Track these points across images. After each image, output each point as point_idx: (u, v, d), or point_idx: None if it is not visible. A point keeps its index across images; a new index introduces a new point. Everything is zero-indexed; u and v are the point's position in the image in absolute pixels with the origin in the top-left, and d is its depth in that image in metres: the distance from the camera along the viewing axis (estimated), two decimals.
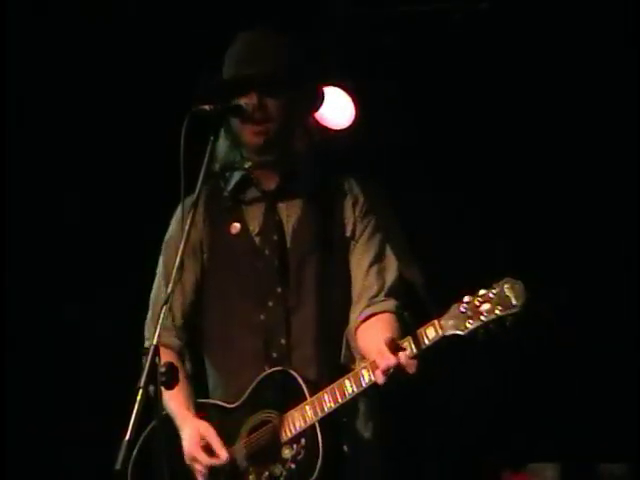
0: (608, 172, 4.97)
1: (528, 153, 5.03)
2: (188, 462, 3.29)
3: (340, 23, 4.97)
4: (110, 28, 4.92)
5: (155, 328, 3.42)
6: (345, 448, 3.25)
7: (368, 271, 3.37)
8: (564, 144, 5.01)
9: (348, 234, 3.40)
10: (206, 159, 3.03)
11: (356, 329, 3.32)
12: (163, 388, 2.77)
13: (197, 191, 3.00)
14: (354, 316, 3.35)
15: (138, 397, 2.70)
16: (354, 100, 4.89)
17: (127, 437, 2.65)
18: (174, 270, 2.92)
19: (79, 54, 4.96)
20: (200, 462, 3.25)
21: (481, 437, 4.92)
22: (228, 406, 3.36)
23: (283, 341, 3.33)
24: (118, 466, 2.63)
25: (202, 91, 3.34)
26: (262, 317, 3.35)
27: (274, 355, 3.32)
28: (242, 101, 3.26)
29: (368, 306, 3.33)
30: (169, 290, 2.91)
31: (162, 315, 2.88)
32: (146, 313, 3.52)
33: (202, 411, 3.36)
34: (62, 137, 5.04)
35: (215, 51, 4.81)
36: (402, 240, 3.46)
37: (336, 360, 3.32)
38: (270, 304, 3.36)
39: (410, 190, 4.74)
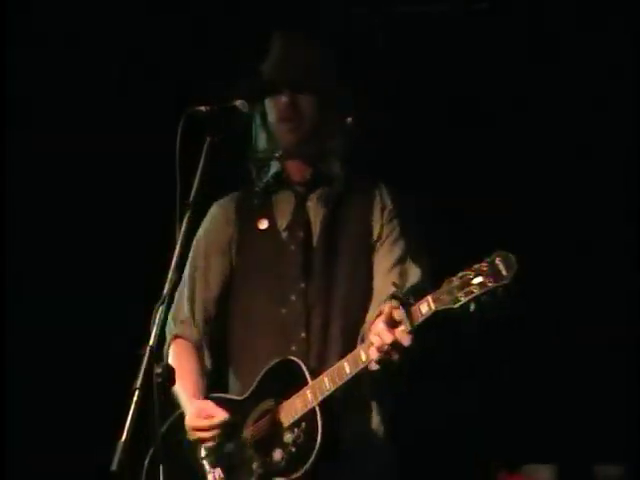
0: (609, 173, 4.96)
1: (528, 153, 5.02)
2: (192, 436, 3.32)
3: (340, 23, 4.97)
4: (110, 27, 4.93)
5: (174, 324, 3.50)
6: (346, 438, 3.26)
7: (389, 272, 3.40)
8: (565, 144, 5.00)
9: (374, 237, 3.45)
10: (202, 160, 3.03)
11: (371, 325, 3.31)
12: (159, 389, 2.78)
13: (194, 192, 3.00)
14: (371, 313, 3.37)
15: (134, 398, 2.70)
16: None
17: (123, 438, 2.65)
18: (170, 271, 2.93)
19: (79, 54, 4.97)
20: (200, 427, 3.29)
21: (476, 438, 4.92)
22: (237, 398, 3.40)
23: (303, 335, 3.37)
24: (114, 467, 2.64)
25: (237, 90, 3.37)
26: (283, 311, 3.40)
27: (293, 348, 3.36)
28: (239, 102, 3.28)
29: (384, 303, 3.32)
30: (165, 291, 2.91)
31: (158, 316, 2.87)
32: (147, 313, 3.52)
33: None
34: (61, 137, 5.04)
35: (216, 51, 4.84)
36: (420, 246, 3.48)
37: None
38: (292, 298, 3.40)
39: (408, 190, 4.72)
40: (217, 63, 4.38)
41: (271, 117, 3.50)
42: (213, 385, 3.50)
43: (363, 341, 3.31)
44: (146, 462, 3.39)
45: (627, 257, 4.92)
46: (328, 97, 3.49)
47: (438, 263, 3.41)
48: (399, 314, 3.05)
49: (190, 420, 3.33)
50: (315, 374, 3.25)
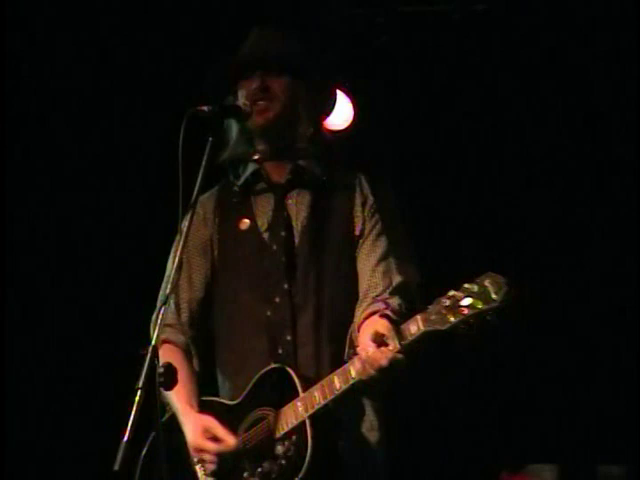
0: (610, 175, 4.97)
1: (526, 155, 5.02)
2: (195, 454, 3.27)
3: (340, 23, 4.97)
4: (111, 26, 4.94)
5: (159, 328, 3.46)
6: (340, 446, 3.23)
7: (375, 269, 3.36)
8: (564, 146, 5.01)
9: (357, 232, 3.39)
10: (204, 159, 3.03)
11: (359, 327, 3.31)
12: (162, 388, 2.78)
13: (196, 192, 2.99)
14: (358, 314, 3.34)
15: (136, 398, 2.69)
16: (352, 101, 4.89)
17: (125, 438, 2.65)
18: (173, 271, 2.92)
19: (81, 53, 4.97)
20: (208, 451, 3.23)
21: (480, 438, 4.92)
22: (229, 403, 3.36)
23: (289, 337, 3.32)
24: (117, 467, 2.63)
25: (209, 79, 3.39)
26: (268, 313, 3.35)
27: (280, 351, 3.32)
28: (241, 102, 3.27)
29: (371, 304, 3.32)
30: (168, 291, 2.90)
31: (161, 315, 2.87)
32: (146, 313, 3.52)
33: (206, 408, 3.35)
34: (63, 137, 5.05)
35: (216, 50, 4.84)
36: (405, 239, 3.43)
37: (341, 358, 3.30)
38: (277, 300, 3.35)
39: (408, 190, 4.74)
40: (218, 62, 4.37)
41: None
42: (201, 385, 3.45)
43: (352, 344, 3.29)
44: (141, 459, 3.37)
45: (626, 258, 4.93)
46: (303, 85, 3.41)
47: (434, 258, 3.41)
48: (389, 333, 3.02)
49: (195, 439, 3.26)
50: (307, 381, 3.20)
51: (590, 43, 4.81)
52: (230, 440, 3.21)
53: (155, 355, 2.76)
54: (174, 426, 3.33)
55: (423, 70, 4.99)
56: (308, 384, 3.20)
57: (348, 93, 4.85)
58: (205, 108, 3.07)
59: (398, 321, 3.04)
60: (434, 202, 4.97)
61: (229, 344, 3.43)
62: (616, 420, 4.81)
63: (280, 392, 3.23)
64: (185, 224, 2.96)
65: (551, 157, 5.03)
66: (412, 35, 4.99)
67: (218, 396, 3.44)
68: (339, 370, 3.14)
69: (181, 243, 2.94)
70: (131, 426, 2.65)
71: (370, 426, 3.35)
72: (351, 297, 3.37)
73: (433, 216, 4.92)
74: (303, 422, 3.16)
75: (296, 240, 3.40)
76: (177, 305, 3.48)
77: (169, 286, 2.95)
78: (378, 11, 4.95)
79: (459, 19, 4.96)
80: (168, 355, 3.38)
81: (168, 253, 3.38)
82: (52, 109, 4.99)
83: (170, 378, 2.77)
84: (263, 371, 3.29)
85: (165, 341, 3.44)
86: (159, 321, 2.83)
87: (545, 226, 5.04)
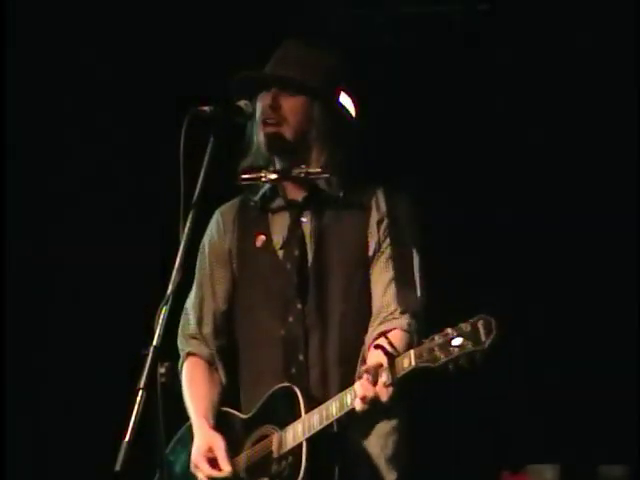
0: (610, 180, 4.97)
1: (525, 157, 5.02)
2: (192, 470, 3.33)
3: (339, 23, 4.98)
4: (114, 27, 4.95)
5: (185, 340, 3.53)
6: (336, 470, 3.22)
7: (387, 288, 3.35)
8: (563, 147, 5.00)
9: (370, 252, 3.38)
10: (206, 160, 3.03)
11: (369, 346, 3.31)
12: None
13: (197, 193, 2.99)
14: (369, 333, 3.34)
15: (138, 398, 2.70)
16: (353, 102, 4.87)
17: (127, 438, 2.65)
18: (174, 271, 2.92)
19: (83, 54, 4.98)
20: (202, 471, 3.30)
21: (480, 437, 4.92)
22: (242, 416, 3.40)
23: (301, 357, 3.33)
24: (118, 467, 2.63)
25: (233, 86, 3.39)
26: (282, 332, 3.36)
27: (293, 371, 3.33)
28: (242, 102, 3.27)
29: (382, 323, 3.32)
30: (169, 291, 2.90)
31: (162, 316, 2.86)
32: (145, 314, 3.51)
33: (222, 419, 3.41)
34: (63, 139, 5.05)
35: (215, 51, 4.85)
36: (412, 264, 3.40)
37: (351, 379, 3.27)
38: (290, 320, 3.36)
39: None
40: (219, 63, 4.38)
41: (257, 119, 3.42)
42: (228, 396, 3.49)
43: (363, 362, 3.29)
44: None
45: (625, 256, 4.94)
46: (320, 105, 3.40)
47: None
48: (383, 366, 3.04)
49: (196, 455, 3.32)
50: (312, 403, 3.21)
51: (597, 44, 4.82)
52: (225, 467, 3.26)
53: (157, 355, 2.76)
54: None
55: (424, 71, 5.00)
56: (312, 406, 3.21)
57: (348, 94, 4.84)
58: (206, 108, 3.07)
59: (393, 354, 3.03)
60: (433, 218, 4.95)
61: (246, 359, 3.47)
62: (618, 420, 4.81)
63: (286, 411, 3.24)
64: (188, 224, 2.96)
65: (556, 156, 5.01)
66: (413, 35, 5.01)
67: (240, 405, 3.47)
68: (337, 396, 3.16)
69: (182, 243, 2.94)
70: (132, 427, 2.66)
71: (382, 443, 3.35)
72: (364, 317, 3.36)
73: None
74: (300, 444, 3.17)
75: (309, 259, 3.39)
76: (200, 317, 3.51)
77: (170, 286, 2.94)
78: (379, 12, 4.97)
79: (460, 19, 4.97)
80: (192, 368, 3.48)
81: (172, 253, 3.38)
82: (49, 111, 5.00)
83: (172, 378, 2.79)
84: (274, 389, 3.31)
85: (190, 354, 3.51)
86: (160, 321, 2.84)
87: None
